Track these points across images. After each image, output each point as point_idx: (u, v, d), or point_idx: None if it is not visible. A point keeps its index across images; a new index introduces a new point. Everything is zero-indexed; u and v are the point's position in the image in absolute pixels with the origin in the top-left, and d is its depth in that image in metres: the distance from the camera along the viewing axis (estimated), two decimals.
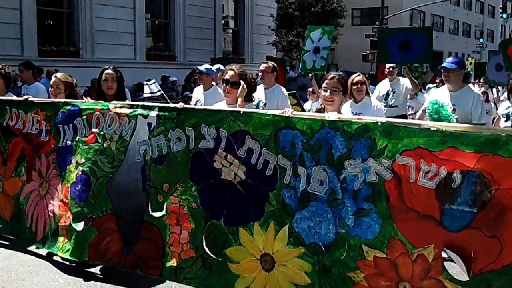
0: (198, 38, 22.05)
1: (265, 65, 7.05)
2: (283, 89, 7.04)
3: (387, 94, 8.56)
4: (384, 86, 8.83)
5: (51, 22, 18.20)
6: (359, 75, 6.28)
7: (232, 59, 23.84)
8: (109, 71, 5.10)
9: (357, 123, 3.18)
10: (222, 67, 8.39)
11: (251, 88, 4.70)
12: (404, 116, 8.19)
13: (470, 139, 2.82)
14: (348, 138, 3.18)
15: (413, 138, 2.97)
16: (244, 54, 24.90)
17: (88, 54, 18.08)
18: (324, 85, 4.21)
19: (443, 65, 5.64)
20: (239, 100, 4.45)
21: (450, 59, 5.78)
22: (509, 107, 8.55)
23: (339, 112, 4.04)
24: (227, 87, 4.51)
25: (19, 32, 16.27)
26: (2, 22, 15.44)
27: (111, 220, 4.34)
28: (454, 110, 5.46)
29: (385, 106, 8.37)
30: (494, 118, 9.76)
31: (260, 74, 7.07)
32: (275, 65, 7.14)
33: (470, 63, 22.93)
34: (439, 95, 5.73)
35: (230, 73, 4.51)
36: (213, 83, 7.48)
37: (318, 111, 4.40)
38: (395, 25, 37.29)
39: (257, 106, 6.55)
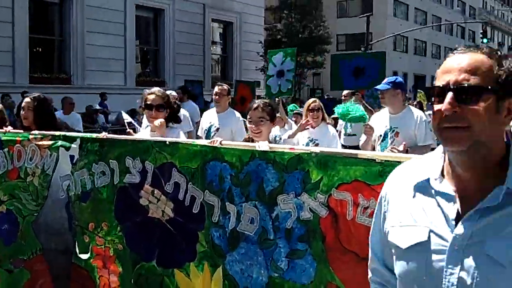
0: (187, 64, 22.34)
1: (220, 87, 6.65)
2: (237, 114, 6.64)
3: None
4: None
5: (43, 50, 18.39)
6: (315, 101, 6.18)
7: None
8: (26, 99, 4.64)
9: (290, 153, 2.84)
10: (173, 93, 7.98)
11: (174, 111, 4.35)
12: None
13: None
14: (281, 170, 2.84)
15: (350, 170, 2.63)
16: (232, 79, 25.18)
17: (79, 81, 18.25)
18: (248, 116, 3.90)
19: (377, 86, 5.31)
20: (161, 128, 4.03)
21: (385, 79, 5.38)
22: None
23: (271, 142, 3.69)
24: (152, 112, 4.10)
25: (11, 59, 16.42)
26: None
27: (42, 261, 3.91)
28: (397, 133, 5.09)
29: (344, 135, 8.31)
30: None
31: (215, 97, 6.65)
32: (230, 88, 6.90)
33: None
34: (379, 118, 5.34)
35: (152, 97, 4.12)
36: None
37: (246, 141, 3.95)
38: (379, 50, 38.11)
39: (209, 131, 6.40)
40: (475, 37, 61.22)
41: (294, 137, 5.95)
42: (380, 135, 5.07)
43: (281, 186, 2.82)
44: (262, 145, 3.03)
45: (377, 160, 2.58)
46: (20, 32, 16.57)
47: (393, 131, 5.08)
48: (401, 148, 4.65)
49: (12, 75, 16.44)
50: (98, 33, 18.71)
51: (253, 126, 3.77)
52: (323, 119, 6.05)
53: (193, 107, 9.99)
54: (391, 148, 4.81)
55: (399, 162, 2.31)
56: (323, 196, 2.68)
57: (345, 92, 8.78)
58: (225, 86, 6.68)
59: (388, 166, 2.47)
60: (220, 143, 3.12)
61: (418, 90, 19.15)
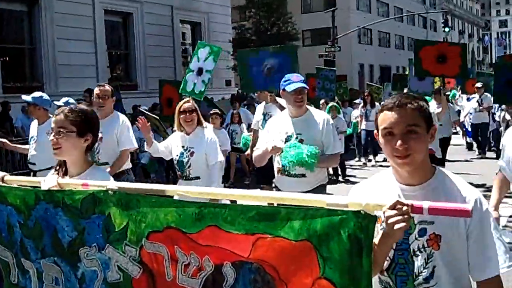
0: (158, 66, 22.49)
1: (101, 88, 5.54)
2: (122, 118, 5.58)
3: (264, 120, 7.00)
4: (259, 111, 7.37)
5: (14, 59, 18.33)
6: (187, 101, 5.22)
7: None
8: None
9: (82, 192, 2.14)
10: (71, 100, 7.21)
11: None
12: None
13: (236, 214, 1.84)
14: (75, 215, 2.13)
15: (160, 213, 1.97)
16: None
17: (52, 89, 18.23)
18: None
19: (300, 85, 4.24)
20: None
21: (296, 76, 4.39)
22: None
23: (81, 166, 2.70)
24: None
25: None
26: None
27: None
28: (301, 141, 4.21)
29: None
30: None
31: (96, 100, 5.55)
32: (113, 89, 5.79)
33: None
34: (279, 123, 4.46)
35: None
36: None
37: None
38: (345, 44, 38.89)
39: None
40: (436, 26, 62.68)
41: (150, 147, 5.27)
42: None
43: (80, 236, 2.14)
44: (47, 181, 2.32)
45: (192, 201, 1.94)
46: None
47: (297, 138, 4.23)
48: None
49: None
50: (69, 40, 18.74)
51: (54, 139, 2.66)
52: (199, 122, 5.16)
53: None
54: None
55: (218, 204, 1.90)
56: (133, 249, 2.02)
57: None
58: (108, 87, 5.62)
59: (207, 207, 1.89)
60: (3, 179, 2.42)
61: (368, 83, 19.15)
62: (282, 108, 6.63)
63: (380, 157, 13.72)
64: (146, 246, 1.99)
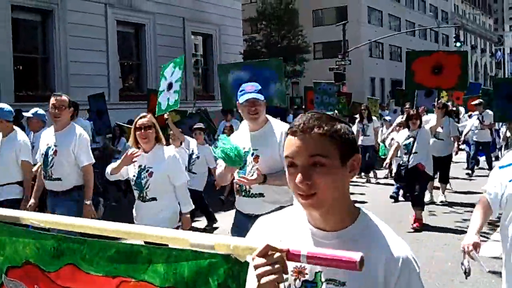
0: None
1: (57, 98, 5.16)
2: (80, 130, 5.19)
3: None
4: (243, 127, 7.01)
5: (27, 68, 18.61)
6: (143, 116, 4.69)
7: (202, 96, 24.64)
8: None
9: None
10: (40, 111, 7.04)
11: None
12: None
13: (95, 251, 1.59)
14: None
15: (18, 245, 1.72)
16: (214, 91, 25.63)
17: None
18: None
19: (252, 96, 3.80)
20: None
21: (250, 86, 3.89)
22: (408, 136, 8.26)
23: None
24: None
25: None
26: None
27: None
28: (256, 157, 3.84)
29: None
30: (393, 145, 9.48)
31: (51, 111, 5.19)
32: (70, 99, 5.36)
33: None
34: (238, 138, 4.04)
35: None
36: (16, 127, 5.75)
37: None
38: (356, 58, 38.96)
39: (46, 155, 5.12)
40: (448, 41, 62.57)
41: (118, 171, 4.75)
42: None
43: None
44: None
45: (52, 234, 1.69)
46: (4, 51, 16.78)
47: (253, 154, 3.86)
48: (254, 176, 3.71)
49: None
50: (81, 50, 18.98)
51: None
52: (158, 139, 4.69)
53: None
54: (241, 178, 3.80)
55: (78, 238, 1.64)
56: None
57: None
58: (64, 97, 5.25)
59: (66, 242, 1.65)
60: None
61: (368, 97, 18.59)
62: None
63: (381, 173, 13.44)
64: (6, 283, 1.76)
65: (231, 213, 4.35)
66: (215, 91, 25.51)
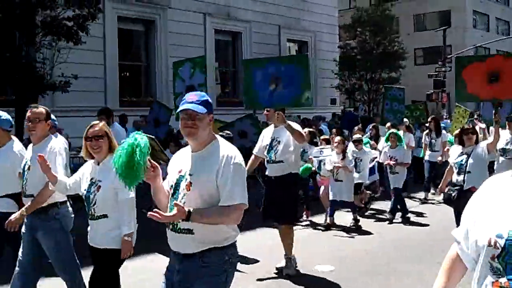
0: None
1: (34, 111, 4.74)
2: (52, 143, 4.68)
3: (270, 146, 6.34)
4: (267, 134, 6.51)
5: (131, 75, 19.82)
6: (95, 126, 4.22)
7: None
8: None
9: None
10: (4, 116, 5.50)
11: None
12: (295, 176, 6.42)
13: None
14: None
15: None
16: (308, 98, 25.72)
17: (164, 103, 19.43)
18: None
19: (191, 107, 3.02)
20: None
21: (192, 95, 3.09)
22: (461, 153, 7.06)
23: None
24: None
25: (103, 86, 17.84)
26: (88, 76, 16.93)
27: None
28: (189, 184, 3.02)
29: (267, 162, 6.44)
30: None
31: (27, 124, 4.73)
32: (48, 111, 4.86)
33: None
34: (179, 158, 3.28)
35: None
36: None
37: None
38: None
39: (23, 170, 4.79)
40: None
41: (55, 185, 4.33)
42: (171, 186, 3.15)
43: None
44: None
45: None
46: (111, 60, 17.98)
47: (186, 180, 3.07)
48: (173, 212, 2.85)
49: (104, 99, 17.83)
50: (181, 58, 19.83)
51: None
52: (111, 149, 4.14)
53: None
54: (154, 213, 2.83)
55: None
56: None
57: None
58: (41, 109, 4.81)
59: None
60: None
61: (456, 105, 14.57)
62: (293, 131, 6.03)
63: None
64: None
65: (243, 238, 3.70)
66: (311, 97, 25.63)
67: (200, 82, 7.19)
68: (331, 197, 9.06)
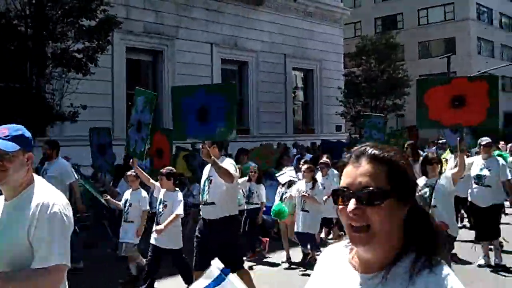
0: (270, 111, 23.37)
1: None
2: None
3: (203, 185, 6.00)
4: (205, 172, 6.15)
5: None
6: None
7: (302, 130, 25.02)
8: None
9: None
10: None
11: None
12: (231, 219, 5.83)
13: None
14: None
15: None
16: (313, 125, 25.96)
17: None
18: None
19: None
20: None
21: (4, 129, 2.43)
22: (425, 185, 6.34)
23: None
24: None
25: (111, 115, 18.12)
26: (96, 106, 17.23)
27: None
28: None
29: (201, 203, 6.04)
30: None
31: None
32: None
33: None
34: None
35: None
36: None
37: None
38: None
39: None
40: None
41: None
42: None
43: None
44: None
45: None
46: (119, 89, 18.30)
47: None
48: None
49: (111, 129, 18.06)
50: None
51: None
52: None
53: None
54: None
55: None
56: None
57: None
58: None
59: None
60: None
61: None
62: (218, 169, 5.42)
63: None
64: None
65: None
66: (316, 125, 25.83)
67: (146, 121, 6.36)
68: (296, 229, 8.33)
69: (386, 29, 38.03)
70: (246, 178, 9.09)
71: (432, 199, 6.13)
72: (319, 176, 9.38)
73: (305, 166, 8.64)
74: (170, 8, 19.89)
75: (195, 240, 5.95)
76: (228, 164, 5.67)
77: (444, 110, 6.08)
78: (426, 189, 6.19)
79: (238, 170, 6.06)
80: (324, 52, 26.29)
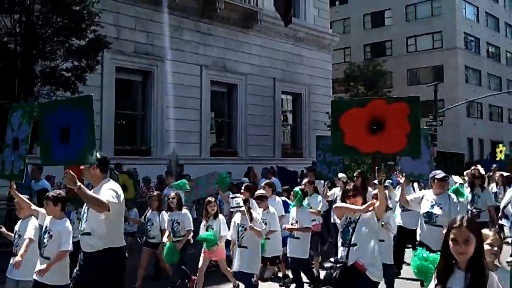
0: (258, 134, 23.44)
1: None
2: None
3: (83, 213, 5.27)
4: None
5: (127, 124, 20.12)
6: None
7: (291, 154, 25.09)
8: None
9: None
10: None
11: None
12: (110, 253, 4.90)
13: None
14: None
15: None
16: (302, 149, 26.04)
17: (158, 152, 19.67)
18: None
19: None
20: None
21: None
22: (347, 221, 5.53)
23: None
24: None
25: (99, 134, 18.02)
26: None
27: None
28: None
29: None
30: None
31: None
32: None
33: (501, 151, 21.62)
34: None
35: None
36: None
37: None
38: (452, 117, 38.00)
39: None
40: None
41: None
42: None
43: None
44: None
45: None
46: (108, 109, 18.29)
47: None
48: None
49: (99, 147, 18.01)
50: (177, 108, 20.25)
51: None
52: None
53: None
54: None
55: None
56: None
57: None
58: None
59: None
60: None
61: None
62: (86, 198, 4.68)
63: None
64: None
65: None
66: (304, 149, 25.91)
67: (23, 136, 5.59)
68: (234, 268, 7.25)
69: (375, 56, 38.52)
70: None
71: (353, 237, 5.32)
72: (266, 209, 8.15)
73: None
74: (161, 29, 20.02)
75: (72, 277, 5.18)
76: (106, 189, 4.85)
77: (361, 135, 5.29)
78: (350, 225, 5.39)
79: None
80: (313, 77, 26.53)
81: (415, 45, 44.83)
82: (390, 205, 8.92)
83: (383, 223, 6.49)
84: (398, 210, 9.10)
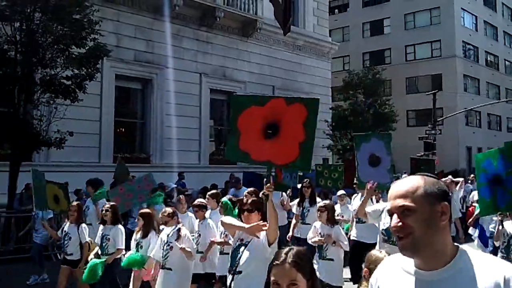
0: None
1: None
2: None
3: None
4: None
5: (126, 131, 20.14)
6: None
7: None
8: None
9: None
10: None
11: None
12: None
13: None
14: None
15: None
16: None
17: (157, 160, 19.67)
18: None
19: None
20: None
21: None
22: (238, 243, 4.58)
23: None
24: None
25: (98, 141, 18.10)
26: (84, 132, 17.21)
27: None
28: None
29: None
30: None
31: None
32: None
33: None
34: None
35: None
36: None
37: None
38: (451, 126, 38.02)
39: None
40: None
41: None
42: None
43: None
44: None
45: None
46: (107, 117, 18.32)
47: None
48: None
49: (98, 155, 18.05)
50: (176, 116, 20.27)
51: None
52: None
53: None
54: None
55: None
56: None
57: None
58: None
59: None
60: None
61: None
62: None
63: None
64: None
65: None
66: None
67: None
68: None
69: (374, 64, 38.58)
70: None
71: (240, 263, 4.36)
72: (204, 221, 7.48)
73: (168, 210, 6.64)
74: (160, 37, 20.09)
75: None
76: None
77: (255, 140, 4.51)
78: (241, 248, 4.44)
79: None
80: (312, 85, 26.60)
81: (414, 54, 44.95)
82: (342, 217, 8.91)
83: (334, 240, 6.23)
84: (353, 223, 8.35)
